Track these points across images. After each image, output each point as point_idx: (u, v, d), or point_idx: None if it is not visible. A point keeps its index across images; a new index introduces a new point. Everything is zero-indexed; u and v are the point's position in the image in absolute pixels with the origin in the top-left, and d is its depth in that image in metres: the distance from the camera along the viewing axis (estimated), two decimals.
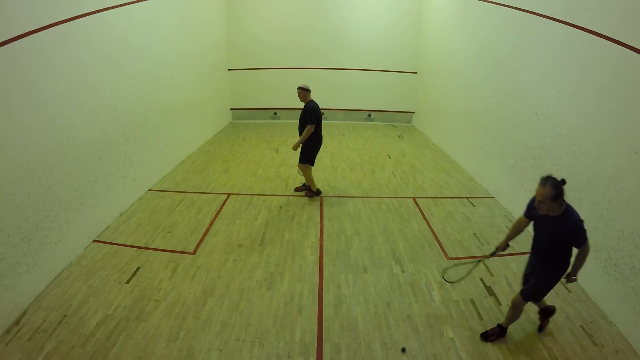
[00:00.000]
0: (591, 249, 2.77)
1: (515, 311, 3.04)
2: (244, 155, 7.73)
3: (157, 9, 5.99)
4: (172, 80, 6.64)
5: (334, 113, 10.39)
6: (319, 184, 6.29)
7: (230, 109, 10.58)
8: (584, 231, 2.66)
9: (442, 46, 8.36)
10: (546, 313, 3.25)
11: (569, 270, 2.87)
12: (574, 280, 2.88)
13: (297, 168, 5.89)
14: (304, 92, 5.39)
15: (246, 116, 10.65)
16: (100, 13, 4.49)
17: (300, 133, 5.41)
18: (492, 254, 3.27)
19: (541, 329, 3.24)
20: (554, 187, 2.52)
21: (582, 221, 2.64)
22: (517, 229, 3.16)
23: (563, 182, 2.55)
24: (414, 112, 10.48)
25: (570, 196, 3.94)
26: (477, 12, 6.50)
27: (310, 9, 9.93)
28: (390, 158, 7.67)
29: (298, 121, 5.46)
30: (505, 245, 3.20)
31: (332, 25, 10.00)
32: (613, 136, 3.39)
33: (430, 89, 9.16)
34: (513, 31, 5.29)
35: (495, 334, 3.11)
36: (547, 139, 4.41)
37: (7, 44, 3.17)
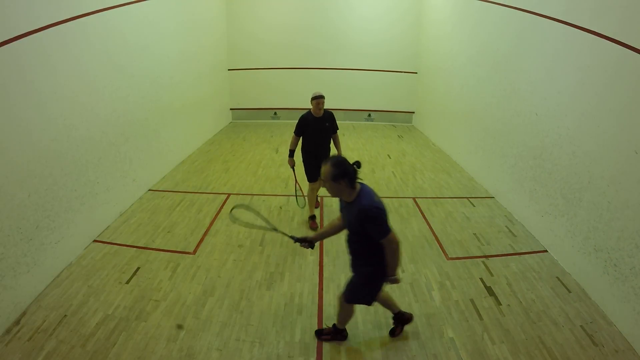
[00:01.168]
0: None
1: (342, 311, 2.85)
2: (244, 155, 7.73)
3: (157, 9, 5.99)
4: (172, 80, 6.64)
5: (334, 113, 10.32)
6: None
7: (230, 109, 10.58)
8: (375, 219, 2.34)
9: (442, 46, 8.36)
10: (400, 319, 3.09)
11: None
12: (395, 281, 2.57)
13: (315, 188, 4.90)
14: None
15: (246, 116, 10.65)
16: (100, 13, 4.49)
17: (327, 144, 4.85)
18: (292, 237, 2.82)
19: (393, 333, 3.08)
20: (333, 164, 2.36)
21: (374, 207, 2.33)
22: (331, 226, 2.80)
23: (356, 164, 2.40)
24: (414, 112, 10.48)
25: (571, 196, 3.96)
26: (477, 12, 6.50)
27: (310, 9, 9.93)
28: (390, 158, 7.67)
29: (316, 131, 4.74)
30: (312, 240, 2.77)
31: (332, 25, 10.00)
32: (613, 136, 3.39)
33: (430, 89, 9.16)
34: (513, 31, 5.29)
35: (330, 334, 3.02)
36: (547, 139, 4.41)
37: (7, 44, 3.17)
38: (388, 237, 2.39)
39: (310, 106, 4.71)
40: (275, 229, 2.99)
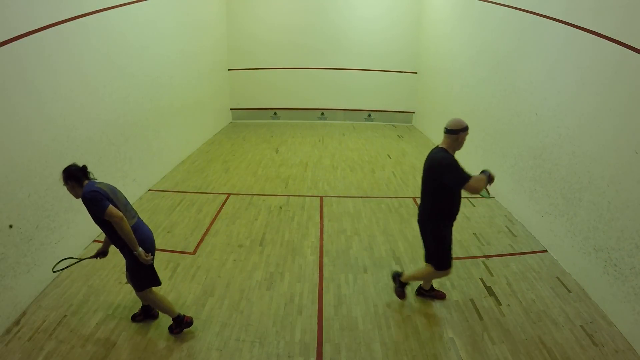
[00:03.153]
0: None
1: (152, 303, 3.06)
2: (244, 155, 7.73)
3: (157, 9, 5.99)
4: (172, 81, 6.64)
5: (334, 113, 10.38)
6: (319, 184, 6.30)
7: (230, 109, 10.58)
8: (90, 201, 2.65)
9: (442, 46, 8.35)
10: (147, 312, 3.26)
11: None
12: (141, 258, 2.78)
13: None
14: None
15: (246, 116, 10.65)
16: (100, 13, 4.49)
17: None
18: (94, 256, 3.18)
19: (134, 318, 3.23)
20: (62, 172, 2.74)
21: (88, 192, 2.66)
22: None
23: (83, 167, 2.78)
24: (414, 112, 10.48)
25: (571, 196, 3.96)
26: (477, 12, 6.49)
27: (310, 9, 9.93)
28: (390, 158, 7.67)
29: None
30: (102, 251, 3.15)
31: (332, 25, 10.00)
32: (613, 136, 3.39)
33: (430, 89, 9.16)
34: (513, 31, 5.29)
35: (176, 327, 3.08)
36: (547, 139, 4.41)
37: (7, 44, 3.17)
38: (106, 213, 2.66)
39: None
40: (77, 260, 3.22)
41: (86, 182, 2.79)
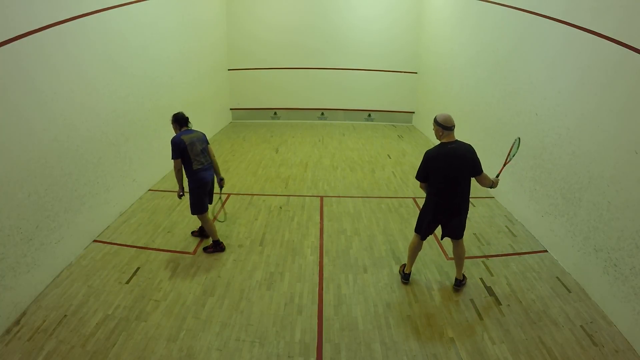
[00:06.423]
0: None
1: (203, 224, 4.27)
2: (244, 155, 7.73)
3: (157, 9, 5.99)
4: (172, 80, 6.64)
5: (334, 113, 10.40)
6: (319, 184, 6.31)
7: (230, 109, 10.58)
8: (171, 145, 3.91)
9: (442, 46, 8.36)
10: (216, 246, 4.26)
11: None
12: (178, 195, 4.22)
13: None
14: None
15: (246, 116, 10.66)
16: (100, 13, 4.49)
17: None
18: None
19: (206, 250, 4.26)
20: (172, 116, 4.05)
21: (172, 140, 3.89)
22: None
23: (185, 118, 4.05)
24: (414, 112, 10.49)
25: (570, 196, 3.96)
26: (477, 13, 6.50)
27: (310, 9, 9.94)
28: (390, 158, 7.67)
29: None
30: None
31: (332, 25, 10.01)
32: (613, 136, 3.39)
33: (430, 89, 9.16)
34: (513, 31, 5.29)
35: (212, 247, 4.26)
36: (547, 139, 4.41)
37: (7, 44, 3.17)
38: (173, 160, 3.93)
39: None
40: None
41: (184, 128, 4.00)
